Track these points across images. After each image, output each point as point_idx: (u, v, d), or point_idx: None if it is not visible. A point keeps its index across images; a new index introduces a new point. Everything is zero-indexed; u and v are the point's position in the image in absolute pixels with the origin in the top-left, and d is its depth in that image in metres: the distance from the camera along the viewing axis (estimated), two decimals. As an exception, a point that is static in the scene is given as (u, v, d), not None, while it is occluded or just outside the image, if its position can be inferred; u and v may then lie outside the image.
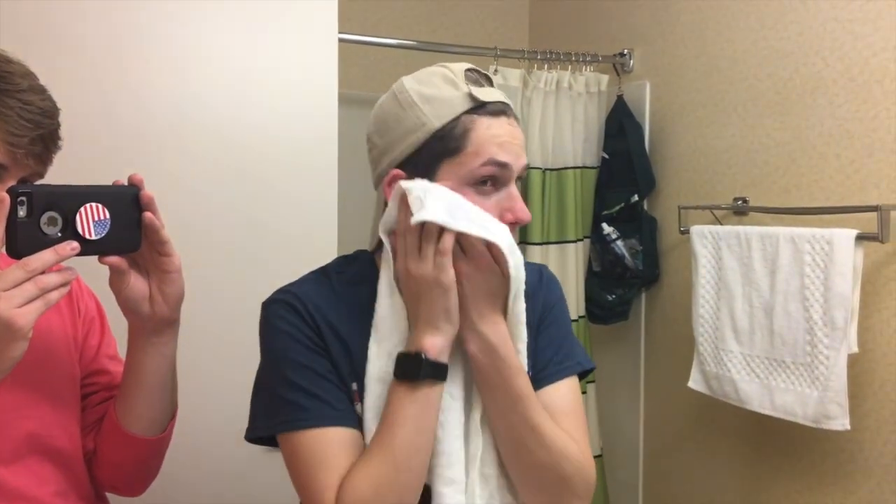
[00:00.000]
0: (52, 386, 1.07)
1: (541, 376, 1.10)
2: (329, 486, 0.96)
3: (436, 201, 0.96)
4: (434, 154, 1.01)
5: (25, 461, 1.02)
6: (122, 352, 1.13)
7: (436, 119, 1.01)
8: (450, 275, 0.97)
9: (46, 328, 1.07)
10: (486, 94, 1.02)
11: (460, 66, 1.05)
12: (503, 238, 0.97)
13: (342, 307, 1.06)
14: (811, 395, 1.74)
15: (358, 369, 1.03)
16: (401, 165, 1.04)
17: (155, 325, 1.05)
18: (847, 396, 1.69)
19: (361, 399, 1.03)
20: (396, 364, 0.99)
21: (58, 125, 1.01)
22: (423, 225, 0.96)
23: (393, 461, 0.95)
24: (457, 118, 1.01)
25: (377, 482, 0.95)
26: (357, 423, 1.02)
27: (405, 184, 0.98)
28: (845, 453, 1.82)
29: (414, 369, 0.97)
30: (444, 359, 0.99)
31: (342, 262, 1.14)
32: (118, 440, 1.11)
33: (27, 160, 0.96)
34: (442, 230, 0.96)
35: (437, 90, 1.03)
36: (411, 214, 0.96)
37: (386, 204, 1.04)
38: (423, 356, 0.97)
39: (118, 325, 1.13)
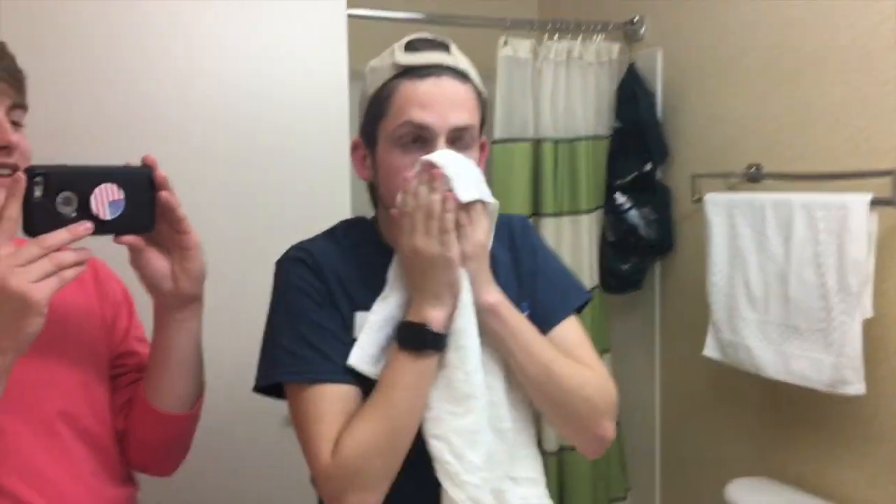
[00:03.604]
0: (78, 365, 1.10)
1: (546, 319, 1.16)
2: (327, 438, 1.02)
3: (467, 178, 1.03)
4: (372, 119, 1.09)
5: (60, 439, 1.05)
6: (149, 336, 1.16)
7: (371, 87, 1.09)
8: (454, 251, 1.01)
9: (72, 307, 1.10)
10: (414, 58, 1.06)
11: (408, 37, 1.10)
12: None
13: (349, 264, 1.13)
14: (826, 361, 1.75)
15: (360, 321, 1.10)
16: (360, 133, 1.13)
17: (179, 301, 1.08)
18: (862, 361, 1.70)
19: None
20: (400, 332, 1.04)
21: (12, 56, 1.03)
22: (430, 203, 1.01)
23: (390, 421, 1.01)
24: (384, 84, 1.07)
25: (374, 437, 1.01)
26: (357, 379, 1.07)
27: (434, 159, 1.02)
28: (861, 418, 1.83)
29: (419, 339, 1.02)
30: (444, 330, 1.03)
31: (345, 226, 1.21)
32: (147, 418, 1.14)
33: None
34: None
35: (379, 61, 1.10)
36: (435, 190, 1.01)
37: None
38: (429, 328, 1.02)
39: (144, 310, 1.16)
